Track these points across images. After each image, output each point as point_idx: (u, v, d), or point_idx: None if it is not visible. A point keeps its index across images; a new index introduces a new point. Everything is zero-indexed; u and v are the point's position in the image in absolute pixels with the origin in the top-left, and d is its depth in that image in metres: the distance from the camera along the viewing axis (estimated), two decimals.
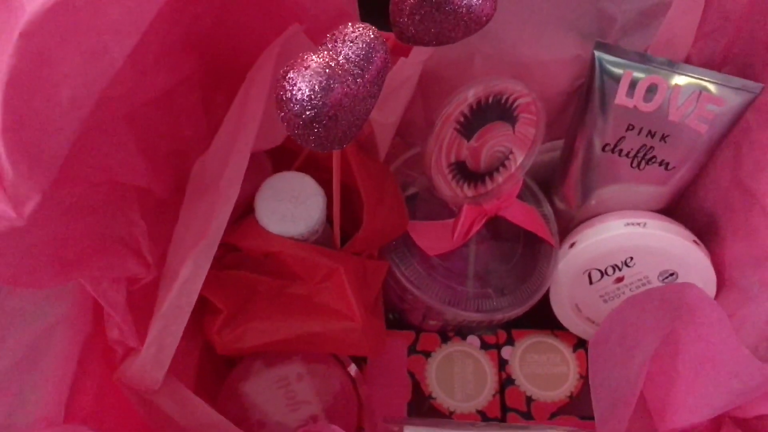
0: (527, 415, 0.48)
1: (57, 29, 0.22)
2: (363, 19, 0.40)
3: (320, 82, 0.26)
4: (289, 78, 0.26)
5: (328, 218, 0.39)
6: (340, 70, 0.27)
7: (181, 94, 0.37)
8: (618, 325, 0.29)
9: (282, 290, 0.37)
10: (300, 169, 0.40)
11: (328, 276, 0.37)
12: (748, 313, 0.43)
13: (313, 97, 0.26)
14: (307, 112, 0.26)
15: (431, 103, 0.46)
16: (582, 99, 0.45)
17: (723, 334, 0.28)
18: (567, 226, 0.50)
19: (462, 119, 0.40)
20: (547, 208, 0.50)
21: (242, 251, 0.37)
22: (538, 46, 0.43)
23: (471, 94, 0.39)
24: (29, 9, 0.21)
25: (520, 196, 0.49)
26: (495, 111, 0.41)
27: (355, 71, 0.27)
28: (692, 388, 0.31)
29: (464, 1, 0.34)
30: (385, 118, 0.42)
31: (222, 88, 0.39)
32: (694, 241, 0.45)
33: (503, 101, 0.40)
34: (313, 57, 0.26)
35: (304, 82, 0.25)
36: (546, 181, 0.51)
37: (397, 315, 0.53)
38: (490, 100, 0.40)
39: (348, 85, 0.27)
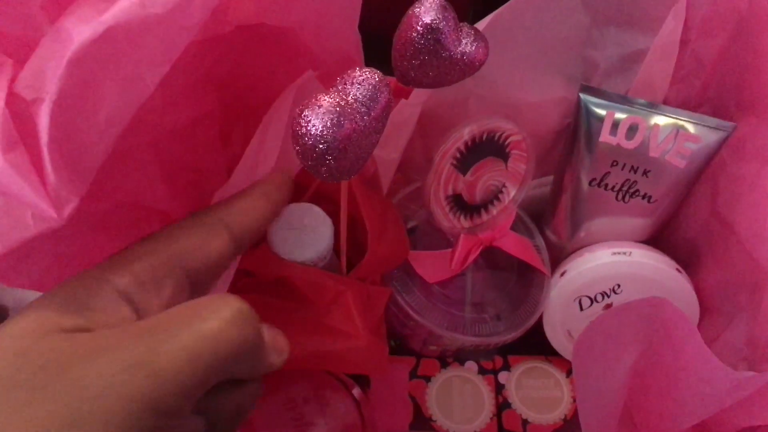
0: None
1: (99, 58, 0.25)
2: (367, 64, 0.44)
3: (331, 119, 0.29)
4: (305, 115, 0.29)
5: (335, 247, 0.42)
6: (349, 108, 0.30)
7: (202, 128, 0.40)
8: (599, 339, 0.32)
9: (293, 312, 0.40)
10: (310, 201, 0.43)
11: (335, 299, 0.40)
12: (728, 336, 0.46)
13: (325, 132, 0.29)
14: (320, 146, 0.29)
15: (429, 141, 0.50)
16: (569, 137, 0.49)
17: (694, 345, 0.31)
18: (558, 257, 0.53)
19: (458, 155, 0.43)
20: (539, 240, 0.53)
21: (256, 276, 0.40)
22: (528, 89, 0.47)
23: (466, 132, 0.42)
24: (77, 39, 0.25)
25: (513, 228, 0.52)
26: (488, 148, 0.44)
27: (362, 110, 0.30)
28: (671, 397, 0.33)
29: (460, 48, 0.37)
30: (387, 154, 0.45)
31: (238, 125, 0.43)
32: (677, 269, 0.48)
33: (496, 139, 0.44)
34: (325, 97, 0.30)
35: (317, 119, 0.29)
36: (538, 215, 0.54)
37: (399, 341, 0.56)
38: (484, 137, 0.43)
39: (356, 122, 0.30)
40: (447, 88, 0.41)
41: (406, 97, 0.43)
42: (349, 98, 0.30)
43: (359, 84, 0.31)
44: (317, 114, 0.29)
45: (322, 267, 0.41)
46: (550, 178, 0.53)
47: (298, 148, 0.30)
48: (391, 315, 0.50)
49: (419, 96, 0.43)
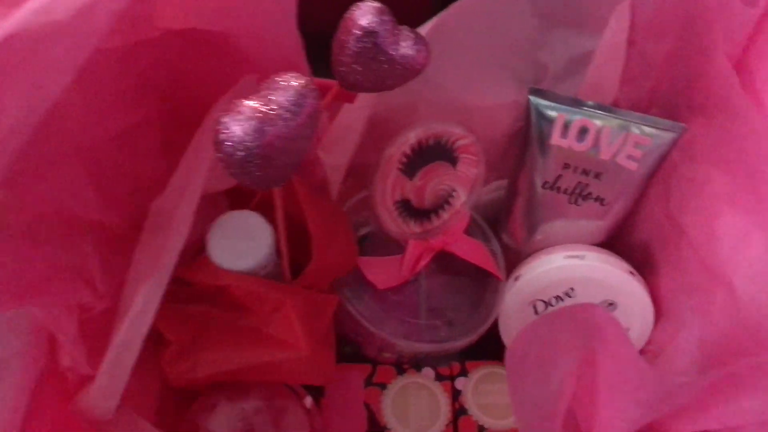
0: None
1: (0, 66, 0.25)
2: (316, 66, 0.44)
3: (251, 126, 0.28)
4: (223, 122, 0.28)
5: (278, 255, 0.41)
6: (272, 114, 0.29)
7: (140, 135, 0.39)
8: (533, 345, 0.31)
9: (233, 322, 0.39)
10: (256, 208, 0.42)
11: (276, 308, 0.39)
12: (682, 339, 0.46)
13: (245, 138, 0.28)
14: (239, 153, 0.28)
15: (382, 146, 0.49)
16: (522, 140, 0.49)
17: (625, 350, 0.30)
18: (515, 261, 0.53)
19: (405, 159, 0.42)
20: (495, 244, 0.53)
21: (195, 286, 0.40)
22: (478, 92, 0.47)
23: (412, 136, 0.42)
24: None
25: (468, 233, 0.51)
26: (436, 152, 0.43)
27: (286, 116, 0.30)
28: (610, 403, 0.33)
29: (399, 52, 0.37)
30: (335, 160, 0.45)
31: (182, 131, 0.42)
32: (630, 272, 0.48)
33: (443, 143, 0.43)
34: (246, 103, 0.29)
35: (236, 125, 0.28)
36: (494, 219, 0.54)
37: (353, 348, 0.55)
38: (431, 141, 0.43)
39: (279, 129, 0.29)
40: (396, 92, 0.41)
41: (351, 101, 0.43)
42: (272, 104, 0.30)
43: (282, 89, 0.30)
44: (237, 120, 0.28)
45: (264, 275, 0.40)
46: (506, 181, 0.53)
47: (219, 155, 0.29)
48: (344, 323, 0.49)
49: (364, 100, 0.43)
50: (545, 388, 0.32)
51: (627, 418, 0.32)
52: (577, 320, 0.31)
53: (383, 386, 0.52)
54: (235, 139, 0.28)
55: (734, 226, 0.41)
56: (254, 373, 0.39)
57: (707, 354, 0.42)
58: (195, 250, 0.42)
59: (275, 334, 0.39)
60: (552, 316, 0.34)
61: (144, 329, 0.35)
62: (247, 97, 0.29)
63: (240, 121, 0.28)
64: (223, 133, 0.28)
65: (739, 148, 0.40)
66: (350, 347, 0.56)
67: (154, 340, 0.40)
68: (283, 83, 0.30)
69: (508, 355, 0.31)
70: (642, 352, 0.50)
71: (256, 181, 0.30)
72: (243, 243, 0.38)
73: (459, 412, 0.51)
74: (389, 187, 0.43)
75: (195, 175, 0.36)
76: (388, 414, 0.51)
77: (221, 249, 0.38)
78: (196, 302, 0.39)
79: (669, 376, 0.30)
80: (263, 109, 0.29)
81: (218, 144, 0.28)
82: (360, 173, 0.51)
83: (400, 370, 0.53)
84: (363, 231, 0.51)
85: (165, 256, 0.36)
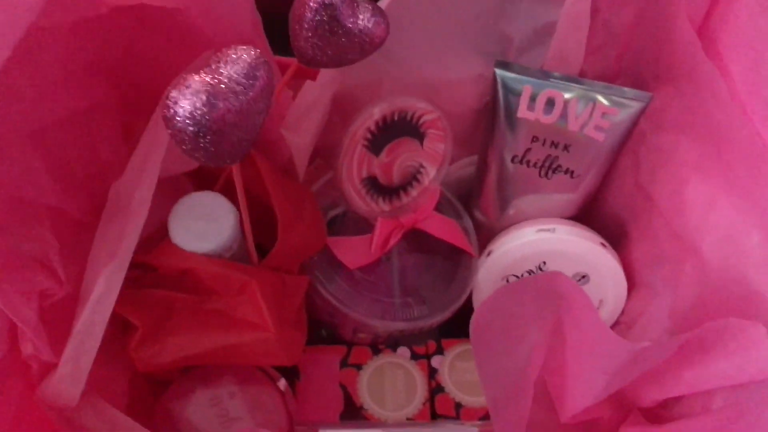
0: (456, 420, 0.50)
1: None
2: (276, 46, 0.43)
3: (201, 99, 0.28)
4: (172, 97, 0.28)
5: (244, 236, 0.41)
6: (224, 87, 0.29)
7: (97, 118, 0.38)
8: (497, 315, 0.31)
9: (199, 306, 0.39)
10: (221, 190, 0.42)
11: (242, 290, 0.38)
12: (653, 309, 0.46)
13: (195, 113, 0.28)
14: (190, 128, 0.28)
15: (349, 123, 0.48)
16: (489, 114, 0.48)
17: (590, 318, 0.30)
18: (489, 237, 0.52)
19: (369, 136, 0.42)
20: (467, 221, 0.52)
21: (159, 270, 0.39)
22: (443, 66, 0.46)
23: (376, 111, 0.41)
24: None
25: (440, 210, 0.51)
26: (401, 128, 0.43)
27: (238, 89, 0.29)
28: (578, 372, 0.32)
29: (357, 25, 0.36)
30: (299, 138, 0.44)
31: (143, 112, 0.41)
32: (602, 244, 0.48)
33: (408, 118, 0.43)
34: (195, 77, 0.28)
35: (185, 99, 0.28)
36: (465, 195, 0.53)
37: (329, 330, 0.55)
38: (396, 117, 0.42)
39: (231, 102, 0.29)
40: (360, 69, 0.40)
41: (313, 78, 0.42)
42: (223, 77, 0.29)
43: (233, 62, 0.29)
44: (185, 94, 0.28)
45: (230, 257, 0.40)
46: (476, 157, 0.52)
47: (170, 131, 0.28)
48: (317, 305, 0.49)
49: (327, 76, 0.42)
50: (513, 359, 0.32)
51: (595, 386, 0.32)
52: (541, 289, 0.31)
53: (359, 367, 0.51)
54: (184, 113, 0.27)
55: (701, 193, 0.41)
56: (221, 356, 0.38)
57: (679, 322, 0.42)
58: (160, 235, 0.41)
59: (241, 316, 0.38)
60: (516, 285, 0.33)
61: (106, 314, 0.35)
62: (197, 71, 0.28)
63: (189, 95, 0.28)
64: (172, 108, 0.27)
65: (704, 114, 0.40)
66: (326, 330, 0.55)
67: (123, 326, 0.40)
68: (234, 56, 0.29)
69: (472, 326, 0.31)
70: (616, 323, 0.50)
71: (210, 157, 0.29)
72: (205, 224, 0.38)
73: (435, 390, 0.51)
74: (355, 164, 0.42)
75: (152, 156, 0.36)
76: (364, 394, 0.50)
77: (183, 231, 0.38)
78: (161, 286, 0.39)
79: (633, 343, 0.30)
80: (213, 82, 0.28)
81: (167, 120, 0.28)
82: (329, 153, 0.50)
83: (376, 351, 0.52)
84: (335, 212, 0.50)
85: (124, 239, 0.35)
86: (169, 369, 0.40)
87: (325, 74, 0.42)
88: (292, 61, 0.39)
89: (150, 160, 0.36)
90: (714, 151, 0.40)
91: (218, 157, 0.30)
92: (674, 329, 0.43)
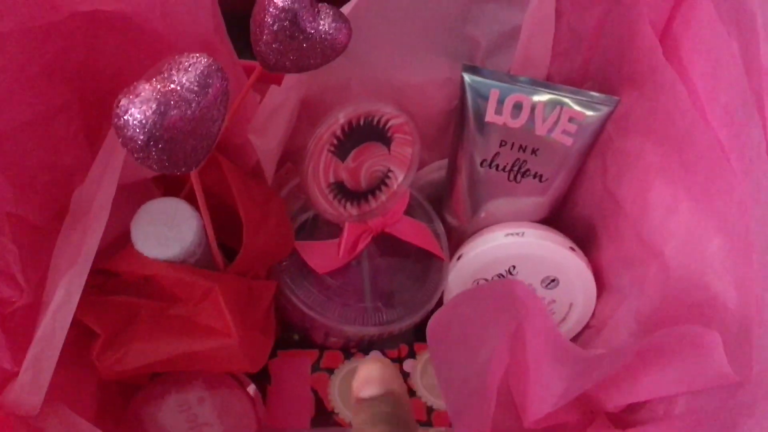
0: (428, 424, 0.50)
1: None
2: (239, 47, 0.43)
3: (151, 108, 0.28)
4: (122, 105, 0.27)
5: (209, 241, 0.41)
6: (175, 95, 0.28)
7: (57, 123, 0.38)
8: (456, 322, 0.31)
9: (162, 312, 0.39)
10: (188, 195, 0.42)
11: (205, 295, 0.38)
12: (621, 312, 0.46)
13: (144, 122, 0.27)
14: (141, 137, 0.28)
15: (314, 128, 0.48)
16: (458, 118, 0.48)
17: (546, 325, 0.30)
18: (460, 240, 0.52)
19: (335, 141, 0.42)
20: (438, 225, 0.52)
21: (122, 277, 0.39)
22: (410, 70, 0.46)
23: (341, 116, 0.41)
24: None
25: (410, 214, 0.51)
26: (368, 132, 0.43)
27: (190, 97, 0.29)
28: (537, 378, 0.32)
29: (318, 30, 0.36)
30: (266, 143, 0.44)
31: (106, 117, 0.41)
32: (571, 248, 0.48)
33: (375, 123, 0.43)
34: (145, 85, 0.28)
35: (134, 108, 0.27)
36: (437, 199, 0.54)
37: (301, 334, 0.54)
38: (362, 121, 0.42)
39: (183, 110, 0.29)
40: (327, 72, 0.40)
41: (278, 83, 0.42)
42: (175, 85, 0.29)
43: (186, 70, 0.29)
44: (134, 103, 0.27)
45: (194, 263, 0.40)
46: (446, 161, 0.52)
47: (120, 140, 0.28)
48: (287, 311, 0.49)
49: (291, 80, 0.42)
50: (472, 365, 0.32)
51: (554, 392, 0.32)
52: (500, 296, 0.31)
53: (330, 371, 0.51)
54: (134, 122, 0.27)
55: (664, 197, 0.41)
56: (185, 363, 0.38)
57: (644, 326, 0.42)
58: (125, 241, 0.41)
59: (205, 322, 0.38)
60: (474, 291, 0.33)
61: (66, 322, 0.35)
62: (147, 79, 0.28)
63: (139, 103, 0.27)
64: (122, 116, 0.27)
65: (665, 119, 0.40)
66: (298, 334, 0.55)
67: (88, 331, 0.40)
68: (186, 63, 0.29)
69: (429, 331, 0.31)
70: (587, 326, 0.51)
71: (164, 165, 0.29)
72: (167, 230, 0.38)
73: (408, 394, 0.51)
74: (321, 169, 0.42)
75: (112, 161, 0.36)
76: (335, 399, 0.50)
77: (145, 237, 0.37)
78: (123, 293, 0.38)
79: (587, 351, 0.30)
80: (164, 89, 0.28)
81: (118, 128, 0.28)
82: (298, 157, 0.50)
83: (348, 355, 0.52)
84: (305, 216, 0.50)
85: (84, 246, 0.35)
86: (133, 376, 0.40)
87: (290, 78, 0.42)
88: (257, 65, 0.39)
89: (110, 166, 0.36)
90: (676, 155, 0.40)
91: (172, 166, 0.30)
92: (639, 332, 0.43)
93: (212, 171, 0.43)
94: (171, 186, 0.45)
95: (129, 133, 0.27)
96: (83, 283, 0.35)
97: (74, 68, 0.37)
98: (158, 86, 0.28)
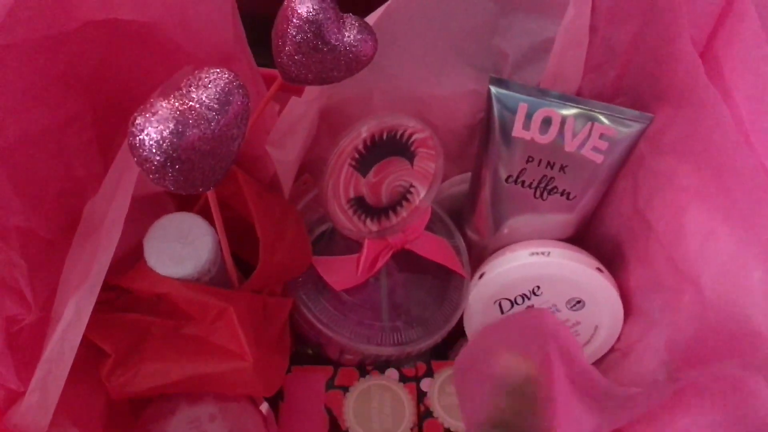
0: None
1: None
2: (259, 52, 0.41)
3: (168, 128, 0.26)
4: (137, 123, 0.26)
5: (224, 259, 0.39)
6: (194, 113, 0.27)
7: (70, 133, 0.37)
8: (482, 355, 0.29)
9: (175, 332, 0.37)
10: (202, 209, 0.40)
11: (219, 316, 0.37)
12: (651, 337, 0.44)
13: (161, 142, 0.26)
14: (157, 158, 0.26)
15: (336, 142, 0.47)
16: (483, 132, 0.46)
17: (576, 357, 0.29)
18: (481, 256, 0.51)
19: (357, 155, 0.40)
20: (459, 240, 0.51)
21: (134, 294, 0.37)
22: (435, 82, 0.44)
23: (364, 130, 0.40)
24: None
25: (431, 229, 0.49)
26: (391, 146, 0.41)
27: (210, 115, 0.27)
28: (566, 412, 0.31)
29: (343, 41, 0.35)
30: (284, 156, 0.43)
31: (120, 128, 0.39)
32: (598, 269, 0.46)
33: (398, 137, 0.41)
34: (162, 103, 0.26)
35: (151, 127, 0.26)
36: (458, 213, 0.52)
37: (315, 350, 0.53)
38: (384, 136, 0.40)
39: (202, 130, 0.27)
40: (349, 83, 0.39)
41: (299, 93, 0.40)
42: (194, 102, 0.27)
43: (206, 86, 0.28)
44: (151, 122, 0.26)
45: (209, 281, 0.38)
46: (469, 175, 0.51)
47: (135, 159, 0.27)
48: (302, 327, 0.47)
49: (312, 92, 0.40)
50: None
51: (585, 428, 0.30)
52: (528, 327, 0.29)
53: (345, 389, 0.50)
54: (150, 142, 0.26)
55: (701, 222, 0.39)
56: (197, 385, 0.37)
57: (675, 355, 0.40)
58: (138, 255, 0.40)
59: (219, 343, 0.37)
60: (501, 324, 0.32)
61: (76, 340, 0.33)
62: (165, 96, 0.27)
63: (156, 122, 0.26)
64: (138, 135, 0.26)
65: (704, 139, 0.38)
66: (312, 349, 0.54)
67: (97, 350, 0.38)
68: (206, 79, 0.28)
69: (456, 367, 0.29)
70: (612, 350, 0.49)
71: (181, 185, 0.28)
72: (182, 247, 0.36)
73: (424, 414, 0.50)
74: (341, 184, 0.41)
75: (126, 174, 0.34)
76: (349, 417, 0.49)
77: (159, 254, 0.36)
78: (134, 310, 0.37)
79: (623, 387, 0.28)
80: (182, 108, 0.27)
81: (133, 148, 0.26)
82: (316, 168, 0.49)
83: (363, 372, 0.51)
84: (322, 228, 0.49)
85: (96, 262, 0.34)
86: (144, 396, 0.39)
87: (312, 91, 0.41)
88: (278, 74, 0.37)
89: (124, 179, 0.34)
90: (714, 178, 0.38)
91: (189, 186, 0.28)
92: (671, 362, 0.41)
93: (228, 184, 0.42)
94: (186, 198, 0.43)
95: (145, 154, 0.26)
96: (94, 300, 0.33)
97: (88, 77, 0.35)
98: (176, 104, 0.26)
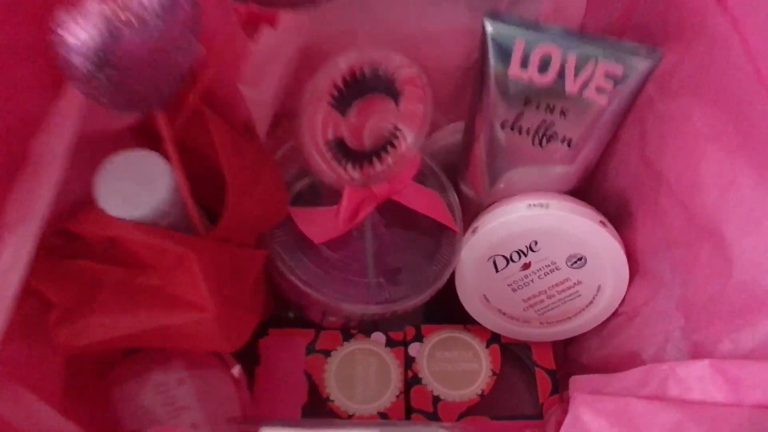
0: (433, 416, 0.45)
1: None
2: None
3: (99, 28, 0.22)
4: (63, 22, 0.22)
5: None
6: (131, 15, 0.23)
7: (17, 66, 0.33)
8: None
9: (130, 281, 0.34)
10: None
11: (178, 263, 0.33)
12: (660, 300, 0.40)
13: (92, 44, 0.22)
14: (84, 63, 0.22)
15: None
16: (477, 73, 0.42)
17: None
18: (476, 214, 0.47)
19: (335, 92, 0.36)
20: (453, 196, 0.47)
21: (85, 240, 0.34)
22: (424, 17, 0.41)
23: (342, 63, 0.36)
24: None
25: (422, 182, 0.46)
26: (373, 84, 0.37)
27: (149, 18, 0.24)
28: None
29: None
30: (259, 95, 0.39)
31: None
32: (601, 222, 0.42)
33: (381, 73, 0.37)
34: (95, 2, 0.23)
35: (79, 27, 0.22)
36: (451, 167, 0.48)
37: (297, 313, 0.50)
38: (366, 71, 0.37)
39: (140, 34, 0.23)
40: (331, 19, 0.35)
41: (272, 23, 0.36)
42: (132, 2, 0.23)
43: None
44: (79, 21, 0.22)
45: (168, 225, 0.35)
46: (463, 124, 0.47)
47: (59, 64, 0.23)
48: (282, 286, 0.44)
49: (287, 22, 0.37)
50: None
51: None
52: None
53: (327, 353, 0.46)
54: (77, 44, 0.22)
55: (720, 168, 0.35)
56: (153, 339, 0.33)
57: (691, 317, 0.37)
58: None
59: (177, 293, 0.33)
60: None
61: (12, 288, 0.30)
62: None
63: (84, 21, 0.22)
64: (62, 35, 0.22)
65: (717, 76, 0.34)
66: (294, 312, 0.50)
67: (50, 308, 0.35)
68: None
69: None
70: (616, 314, 0.45)
71: (117, 102, 0.24)
72: (136, 187, 0.33)
73: (412, 380, 0.46)
74: (319, 123, 0.37)
75: (71, 105, 0.30)
76: (331, 384, 0.45)
77: (110, 194, 0.33)
78: (85, 257, 0.34)
79: None
80: (117, 8, 0.23)
81: (55, 48, 0.22)
82: (295, 113, 0.45)
83: (347, 336, 0.47)
84: (302, 183, 0.45)
85: (36, 201, 0.30)
86: (101, 352, 0.35)
87: (287, 20, 0.37)
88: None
89: (69, 110, 0.31)
90: (731, 117, 0.35)
91: (128, 103, 0.25)
92: (685, 325, 0.37)
93: (197, 127, 0.38)
94: (150, 139, 0.39)
95: (71, 58, 0.22)
96: (35, 242, 0.30)
97: (40, 5, 0.32)
98: (111, 4, 0.23)
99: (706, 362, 0.32)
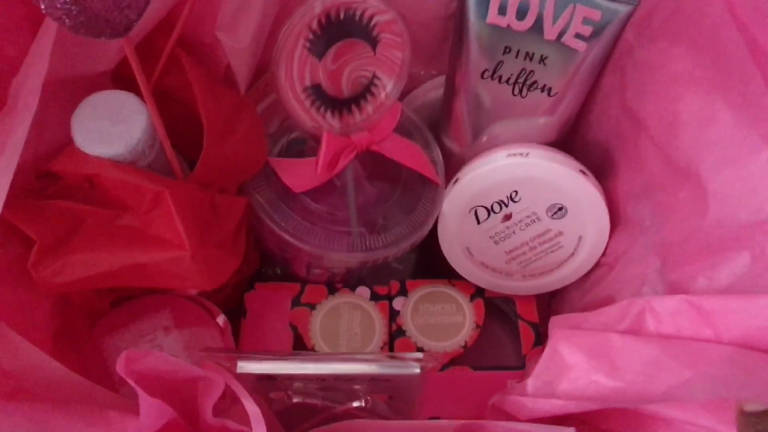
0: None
1: None
2: None
3: None
4: None
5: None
6: None
7: None
8: None
9: (110, 221, 0.34)
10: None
11: (155, 202, 0.34)
12: (638, 247, 0.40)
13: None
14: None
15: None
16: (456, 22, 0.42)
17: None
18: (460, 167, 0.47)
19: (310, 35, 0.37)
20: (436, 151, 0.47)
21: (64, 180, 0.34)
22: None
23: (317, 5, 0.36)
24: None
25: (406, 135, 0.46)
26: (349, 27, 0.37)
27: None
28: None
29: None
30: (237, 41, 0.39)
31: None
32: (581, 171, 0.42)
33: (357, 17, 0.37)
34: None
35: None
36: (435, 123, 0.48)
37: (283, 268, 0.50)
38: (342, 14, 0.37)
39: None
40: None
41: None
42: None
43: None
44: None
45: (147, 167, 0.35)
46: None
47: None
48: (268, 239, 0.44)
49: None
50: None
51: None
52: None
53: (312, 306, 0.47)
54: None
55: (697, 109, 0.35)
56: (132, 277, 0.34)
57: (668, 259, 0.37)
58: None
59: (155, 232, 0.34)
60: None
61: None
62: None
63: None
64: None
65: (695, 19, 0.34)
66: (281, 269, 0.51)
67: None
68: None
69: None
70: (598, 264, 0.45)
71: (80, 24, 0.24)
72: (113, 126, 0.33)
73: (396, 333, 0.47)
74: (295, 68, 0.37)
75: (45, 41, 0.31)
76: (315, 335, 0.46)
77: (87, 132, 0.33)
78: (65, 198, 0.34)
79: None
80: None
81: None
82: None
83: (332, 290, 0.48)
84: (285, 138, 0.45)
85: (11, 137, 0.30)
86: (77, 290, 0.36)
87: None
88: None
89: (42, 46, 0.31)
90: (707, 59, 0.34)
91: (92, 26, 0.25)
92: (662, 267, 0.37)
93: (176, 74, 0.39)
94: (129, 84, 0.40)
95: None
96: (10, 177, 0.30)
97: None
98: None
99: (681, 297, 0.32)
